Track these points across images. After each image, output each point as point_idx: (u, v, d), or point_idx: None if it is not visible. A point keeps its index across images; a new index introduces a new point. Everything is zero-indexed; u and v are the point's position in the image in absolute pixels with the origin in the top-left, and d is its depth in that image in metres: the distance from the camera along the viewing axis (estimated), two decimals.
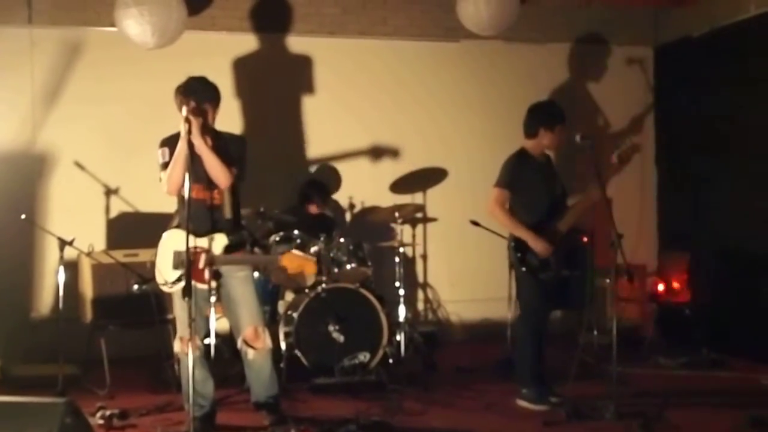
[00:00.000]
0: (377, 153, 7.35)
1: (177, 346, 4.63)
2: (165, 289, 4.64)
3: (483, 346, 6.89)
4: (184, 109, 4.40)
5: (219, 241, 4.49)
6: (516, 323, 5.59)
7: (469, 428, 4.84)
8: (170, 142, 4.53)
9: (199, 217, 4.46)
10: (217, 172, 4.48)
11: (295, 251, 4.50)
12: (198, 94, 4.50)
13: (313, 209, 6.63)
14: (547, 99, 6.49)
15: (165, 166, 4.52)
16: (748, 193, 6.73)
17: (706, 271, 6.94)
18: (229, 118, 6.76)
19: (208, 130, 4.53)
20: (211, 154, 4.45)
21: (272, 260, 4.61)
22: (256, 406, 4.83)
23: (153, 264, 4.72)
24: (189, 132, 4.34)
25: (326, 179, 7.09)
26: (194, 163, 4.36)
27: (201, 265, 4.44)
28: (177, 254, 4.50)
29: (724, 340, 6.54)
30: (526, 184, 5.19)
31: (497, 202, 5.17)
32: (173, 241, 4.56)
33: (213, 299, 4.43)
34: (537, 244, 5.08)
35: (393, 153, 7.37)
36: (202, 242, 4.48)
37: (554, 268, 5.14)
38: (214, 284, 4.43)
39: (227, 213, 4.60)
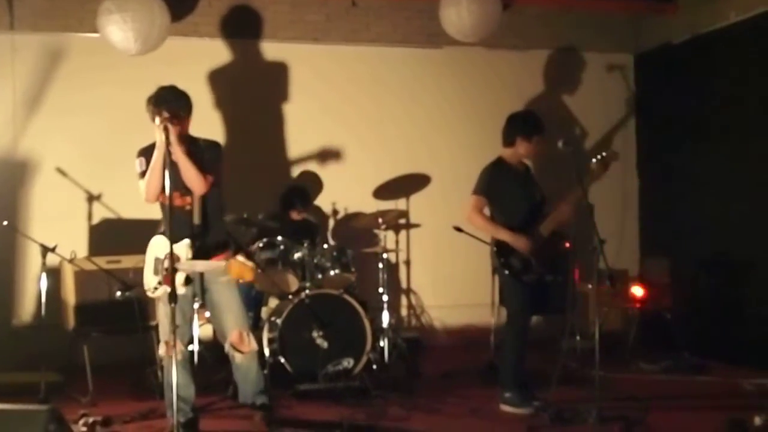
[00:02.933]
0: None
1: (162, 350, 4.64)
2: (149, 294, 4.70)
3: (466, 351, 6.91)
4: (158, 119, 4.42)
5: (183, 247, 4.52)
6: (504, 327, 5.61)
7: None
8: (147, 152, 4.57)
9: (176, 223, 4.49)
10: (193, 179, 4.51)
11: (239, 258, 4.61)
12: (170, 103, 4.51)
13: (296, 215, 6.63)
14: (526, 109, 6.62)
15: (142, 174, 4.57)
16: (728, 199, 6.79)
17: (687, 276, 6.99)
18: (212, 125, 6.79)
19: (183, 137, 4.55)
20: (188, 162, 4.48)
21: (220, 266, 4.66)
22: (252, 407, 4.86)
23: (136, 270, 4.73)
24: (167, 140, 4.36)
25: (309, 185, 7.08)
26: (172, 171, 4.38)
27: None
28: (157, 260, 4.60)
29: (704, 344, 6.59)
30: (504, 192, 5.25)
31: (474, 208, 5.24)
32: (156, 247, 4.66)
33: (197, 305, 4.43)
34: (517, 241, 5.13)
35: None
36: (177, 248, 4.50)
37: (536, 271, 5.18)
38: (184, 290, 4.45)
39: (196, 219, 4.62)
